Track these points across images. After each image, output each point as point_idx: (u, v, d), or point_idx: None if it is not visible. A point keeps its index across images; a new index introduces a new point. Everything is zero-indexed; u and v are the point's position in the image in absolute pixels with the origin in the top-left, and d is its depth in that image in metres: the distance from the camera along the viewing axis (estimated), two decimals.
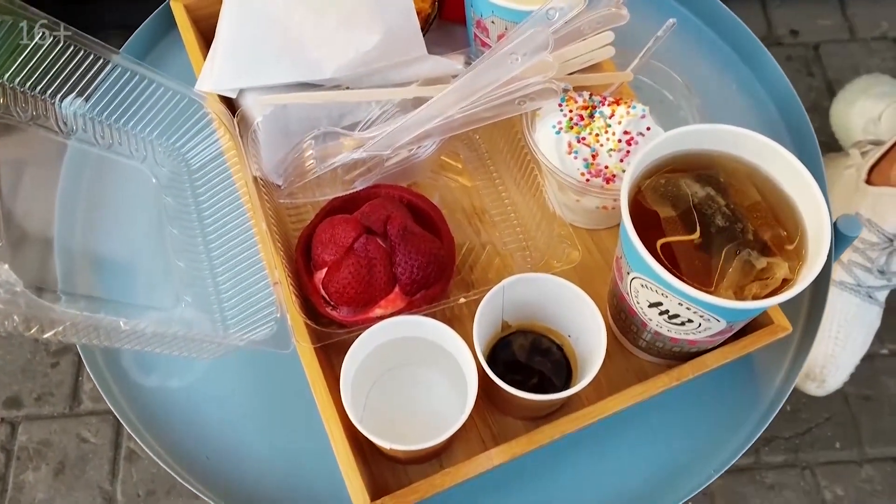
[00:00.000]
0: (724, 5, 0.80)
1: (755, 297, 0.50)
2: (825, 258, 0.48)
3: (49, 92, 0.54)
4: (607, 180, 0.60)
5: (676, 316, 0.52)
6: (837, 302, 1.05)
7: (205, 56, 0.70)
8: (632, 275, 0.53)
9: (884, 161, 1.05)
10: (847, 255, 1.03)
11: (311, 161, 0.63)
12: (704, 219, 0.52)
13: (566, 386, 0.59)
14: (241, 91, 0.66)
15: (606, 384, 0.61)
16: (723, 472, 0.60)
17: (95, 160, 0.57)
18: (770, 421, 0.61)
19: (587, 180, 0.60)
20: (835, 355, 1.06)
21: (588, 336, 0.56)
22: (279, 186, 0.65)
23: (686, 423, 0.62)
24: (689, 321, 0.52)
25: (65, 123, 0.54)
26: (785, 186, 0.53)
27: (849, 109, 1.30)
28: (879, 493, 1.19)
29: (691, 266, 0.51)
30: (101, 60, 0.54)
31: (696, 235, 0.51)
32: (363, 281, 0.58)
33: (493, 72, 0.58)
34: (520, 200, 0.67)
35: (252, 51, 0.65)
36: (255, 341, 0.50)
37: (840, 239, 0.65)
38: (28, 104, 0.52)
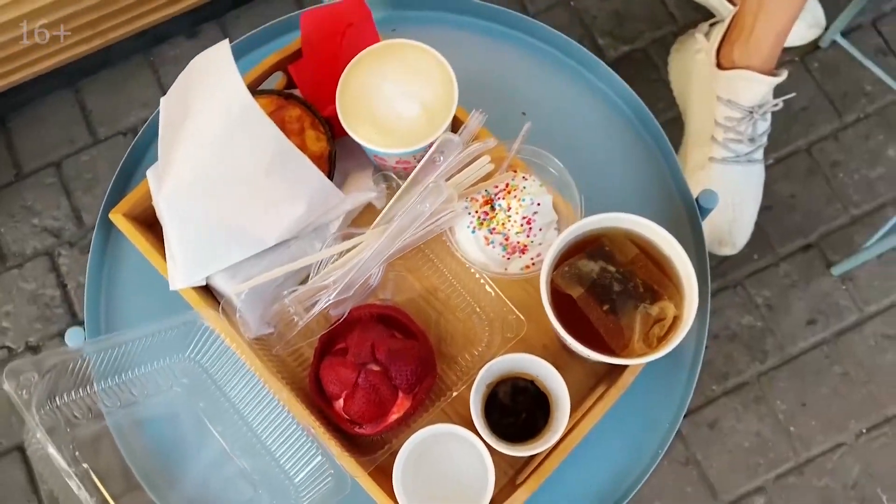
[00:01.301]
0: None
1: (659, 338, 0.68)
2: (697, 296, 0.66)
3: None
4: (522, 251, 0.76)
5: None
6: (726, 175, 1.21)
7: (158, 250, 0.81)
8: (568, 341, 0.70)
9: (724, 44, 1.18)
10: (720, 134, 1.19)
11: (295, 316, 0.78)
12: (605, 289, 0.69)
13: (548, 413, 0.78)
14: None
15: (574, 392, 0.79)
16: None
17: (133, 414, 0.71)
18: (698, 372, 0.81)
19: (507, 258, 0.76)
20: (736, 219, 1.24)
21: (552, 382, 0.75)
22: (271, 334, 0.80)
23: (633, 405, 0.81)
24: None
25: (106, 404, 0.68)
26: (658, 243, 0.69)
27: None
28: (797, 282, 1.44)
29: (608, 329, 0.68)
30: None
31: (604, 306, 0.68)
32: (374, 403, 0.75)
33: (412, 213, 0.72)
34: (459, 270, 0.82)
35: (203, 245, 0.77)
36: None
37: (703, 211, 0.82)
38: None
